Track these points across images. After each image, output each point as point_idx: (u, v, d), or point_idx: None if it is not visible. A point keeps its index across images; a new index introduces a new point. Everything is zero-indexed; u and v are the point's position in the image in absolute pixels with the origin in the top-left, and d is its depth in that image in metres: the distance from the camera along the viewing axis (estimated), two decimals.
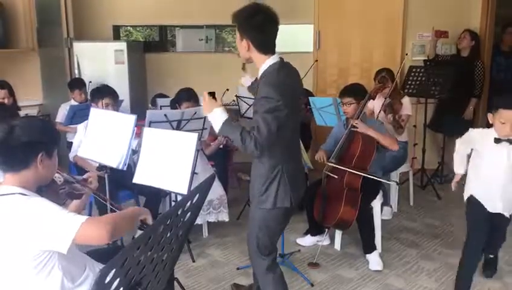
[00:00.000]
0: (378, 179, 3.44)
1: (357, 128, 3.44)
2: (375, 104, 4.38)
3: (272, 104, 2.16)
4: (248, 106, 4.45)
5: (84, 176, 2.20)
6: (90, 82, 5.05)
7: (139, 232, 1.81)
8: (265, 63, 2.29)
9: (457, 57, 5.33)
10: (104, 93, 3.93)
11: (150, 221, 1.88)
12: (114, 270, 1.37)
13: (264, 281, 2.51)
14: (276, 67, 2.27)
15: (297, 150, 2.51)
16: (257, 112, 2.22)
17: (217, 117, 2.27)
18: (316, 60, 5.53)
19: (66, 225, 1.65)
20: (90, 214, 3.86)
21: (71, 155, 3.78)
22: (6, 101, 4.42)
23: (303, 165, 2.54)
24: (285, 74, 2.29)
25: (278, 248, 2.56)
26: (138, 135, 3.19)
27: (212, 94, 2.34)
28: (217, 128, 2.28)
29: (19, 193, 1.76)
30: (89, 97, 4.84)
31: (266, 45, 2.28)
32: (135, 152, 3.26)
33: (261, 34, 2.26)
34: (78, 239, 1.66)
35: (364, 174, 3.35)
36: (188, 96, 4.06)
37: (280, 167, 2.31)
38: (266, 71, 2.28)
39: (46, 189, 1.94)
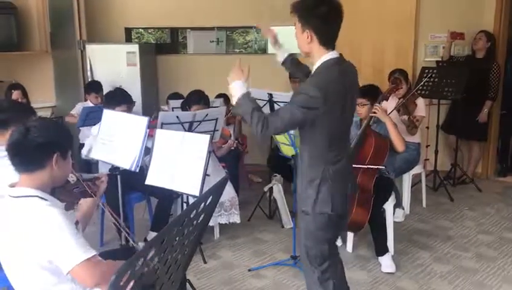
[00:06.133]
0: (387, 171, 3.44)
1: (376, 113, 3.44)
2: (389, 105, 4.35)
3: (307, 101, 2.08)
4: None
5: (96, 175, 2.22)
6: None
7: (152, 234, 1.82)
8: (322, 58, 2.17)
9: (471, 58, 5.26)
10: (120, 101, 3.85)
11: None
12: (129, 272, 1.37)
13: None
14: (329, 64, 2.17)
15: (346, 151, 2.33)
16: (292, 101, 2.15)
17: (238, 88, 2.22)
18: None
19: (69, 255, 1.70)
20: (103, 214, 3.87)
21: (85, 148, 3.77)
22: None
23: (351, 167, 2.43)
24: (336, 72, 2.17)
25: (334, 255, 2.40)
26: (151, 135, 3.20)
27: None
28: (234, 99, 2.22)
29: (37, 196, 1.77)
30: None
31: (329, 38, 2.17)
32: (149, 150, 3.26)
33: (325, 25, 2.14)
34: (71, 273, 1.71)
35: (377, 166, 3.35)
36: (198, 99, 4.07)
37: (323, 167, 2.19)
38: (319, 68, 2.18)
39: (60, 189, 1.95)
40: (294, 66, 2.62)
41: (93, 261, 1.73)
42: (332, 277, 2.36)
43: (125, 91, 4.11)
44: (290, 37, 2.36)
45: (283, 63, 2.64)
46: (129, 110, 3.92)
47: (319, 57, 2.19)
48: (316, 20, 2.13)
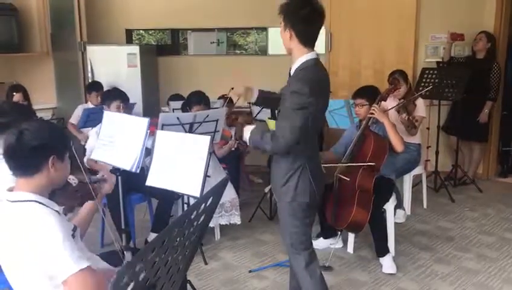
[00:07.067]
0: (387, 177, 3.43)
1: (373, 114, 3.45)
2: (387, 106, 4.35)
3: (302, 100, 2.20)
4: (260, 109, 4.45)
5: (99, 176, 2.20)
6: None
7: (153, 235, 1.81)
8: (302, 57, 2.31)
9: (472, 59, 5.26)
10: (115, 96, 3.97)
11: None
12: (130, 272, 1.37)
13: (304, 279, 2.50)
14: (311, 64, 2.31)
15: (317, 146, 2.58)
16: (286, 107, 2.26)
17: (248, 130, 2.41)
18: None
19: (63, 266, 1.66)
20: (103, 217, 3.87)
21: (85, 159, 3.81)
22: None
23: (320, 160, 2.62)
24: (316, 72, 2.33)
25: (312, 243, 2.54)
26: (153, 133, 3.21)
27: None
28: (248, 142, 2.40)
29: (34, 201, 1.74)
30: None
31: (308, 37, 2.31)
32: (150, 151, 3.27)
33: (305, 26, 2.29)
34: (64, 284, 1.67)
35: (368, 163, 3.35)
36: (198, 100, 4.08)
37: (303, 162, 2.35)
38: (301, 66, 2.31)
39: (60, 191, 1.93)
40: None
41: (86, 272, 1.69)
42: (317, 263, 2.51)
43: (119, 89, 4.21)
44: None
45: None
46: (127, 109, 3.96)
47: (299, 56, 2.33)
48: (297, 21, 2.28)
